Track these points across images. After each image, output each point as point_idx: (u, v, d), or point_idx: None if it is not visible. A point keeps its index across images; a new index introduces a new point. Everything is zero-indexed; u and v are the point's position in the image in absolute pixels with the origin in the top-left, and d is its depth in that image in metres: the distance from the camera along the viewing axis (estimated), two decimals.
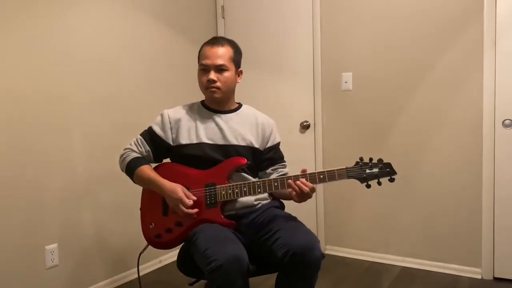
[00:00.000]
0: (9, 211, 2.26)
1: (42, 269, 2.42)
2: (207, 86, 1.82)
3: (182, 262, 1.82)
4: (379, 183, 1.66)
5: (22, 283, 2.32)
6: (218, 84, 1.82)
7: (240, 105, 1.97)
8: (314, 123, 3.28)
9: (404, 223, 3.00)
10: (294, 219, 1.80)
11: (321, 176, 1.66)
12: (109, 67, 2.76)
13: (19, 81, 2.30)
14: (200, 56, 1.87)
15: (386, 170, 1.65)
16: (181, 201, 1.71)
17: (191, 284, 1.90)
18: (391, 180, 1.65)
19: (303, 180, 1.65)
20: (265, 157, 1.92)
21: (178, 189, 1.73)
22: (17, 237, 2.30)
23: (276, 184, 1.70)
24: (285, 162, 1.99)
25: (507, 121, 2.61)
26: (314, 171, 1.68)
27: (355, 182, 1.67)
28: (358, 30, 3.08)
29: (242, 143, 1.85)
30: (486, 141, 2.68)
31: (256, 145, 1.88)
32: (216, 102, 1.89)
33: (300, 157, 3.26)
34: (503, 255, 2.68)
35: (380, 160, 1.67)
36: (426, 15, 2.83)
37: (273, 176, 1.90)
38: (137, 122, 2.77)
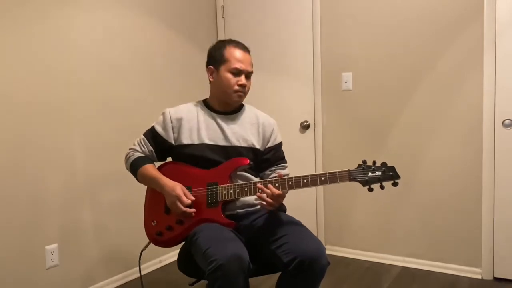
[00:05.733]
0: (9, 211, 2.26)
1: (42, 269, 2.42)
2: (236, 90, 1.82)
3: (183, 262, 1.82)
4: (382, 187, 1.63)
5: (22, 283, 2.32)
6: (246, 89, 1.86)
7: (242, 106, 1.97)
8: (314, 123, 3.28)
9: (404, 223, 3.01)
10: (298, 223, 1.78)
11: (323, 178, 1.65)
12: (109, 67, 2.76)
13: (20, 82, 2.30)
14: (230, 57, 1.82)
15: (389, 174, 1.62)
16: (178, 198, 1.72)
17: (191, 284, 1.90)
18: (395, 184, 1.62)
19: (270, 186, 1.66)
20: (264, 158, 1.91)
21: (177, 187, 1.74)
22: (17, 237, 2.30)
23: (277, 185, 1.68)
24: (285, 163, 1.97)
25: (507, 121, 2.61)
26: (316, 173, 1.67)
27: (356, 182, 1.66)
28: (358, 30, 3.08)
29: (244, 144, 1.85)
30: (486, 141, 2.68)
31: (258, 146, 1.88)
32: (223, 104, 1.89)
33: (300, 157, 3.27)
34: (503, 255, 2.68)
35: (383, 164, 1.64)
36: (426, 15, 2.83)
37: (272, 176, 1.89)
38: (137, 122, 2.78)
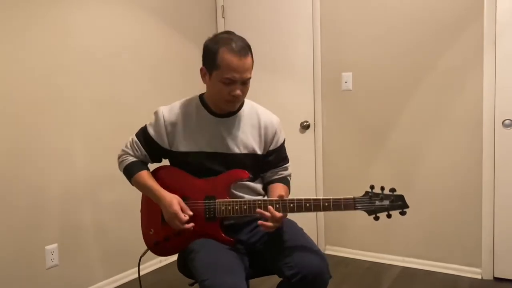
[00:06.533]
0: (9, 211, 2.26)
1: (42, 269, 2.42)
2: (229, 100, 1.65)
3: (182, 265, 1.81)
4: (389, 216, 1.56)
5: (22, 283, 2.32)
6: (240, 98, 1.67)
7: (242, 103, 1.80)
8: (314, 123, 3.27)
9: (404, 223, 3.00)
10: (300, 231, 1.73)
11: (326, 204, 1.57)
12: (109, 67, 2.76)
13: (19, 82, 2.30)
14: (222, 64, 1.59)
15: (398, 204, 1.54)
16: (176, 215, 1.62)
17: (191, 285, 1.90)
18: (402, 213, 1.54)
19: (271, 208, 1.56)
20: (267, 160, 1.82)
21: (174, 202, 1.64)
22: (17, 237, 2.30)
23: (277, 206, 1.60)
24: (287, 164, 1.89)
25: (507, 121, 2.61)
26: (319, 198, 1.59)
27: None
28: (358, 30, 3.08)
29: (244, 151, 1.75)
30: (486, 141, 2.68)
31: (259, 152, 1.78)
32: (219, 107, 1.74)
33: (300, 157, 3.26)
34: (503, 255, 2.68)
35: (392, 190, 1.55)
36: (426, 15, 2.83)
37: (273, 178, 1.84)
38: (137, 122, 2.74)
